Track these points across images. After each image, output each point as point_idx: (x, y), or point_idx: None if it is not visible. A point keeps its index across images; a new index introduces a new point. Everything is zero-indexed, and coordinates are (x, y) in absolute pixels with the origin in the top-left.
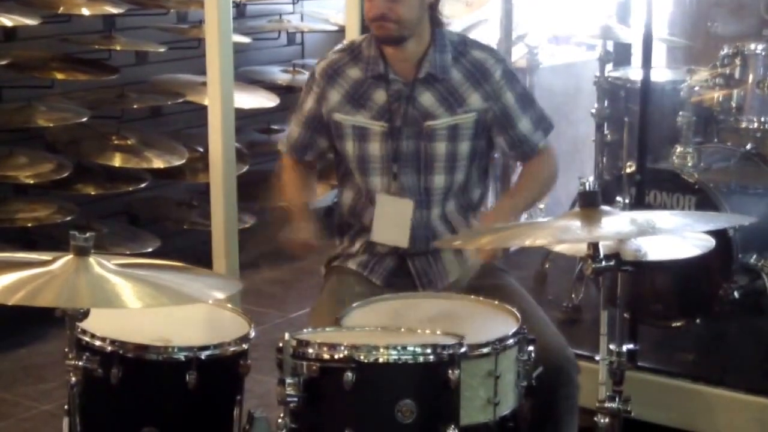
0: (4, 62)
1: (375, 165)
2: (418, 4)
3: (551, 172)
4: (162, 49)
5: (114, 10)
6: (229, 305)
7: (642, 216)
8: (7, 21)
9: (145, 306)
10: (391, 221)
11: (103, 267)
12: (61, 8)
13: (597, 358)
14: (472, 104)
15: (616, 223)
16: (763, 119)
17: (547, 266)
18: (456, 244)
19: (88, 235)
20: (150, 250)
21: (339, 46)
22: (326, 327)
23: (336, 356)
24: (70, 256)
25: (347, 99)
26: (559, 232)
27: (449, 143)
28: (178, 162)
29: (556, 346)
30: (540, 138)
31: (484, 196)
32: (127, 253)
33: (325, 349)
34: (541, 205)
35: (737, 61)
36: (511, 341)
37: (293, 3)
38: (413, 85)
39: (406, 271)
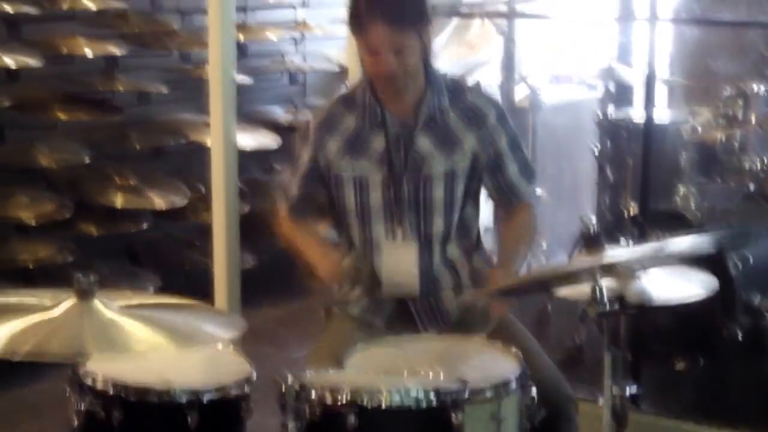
0: (7, 103)
1: (377, 213)
2: (420, 48)
3: (534, 228)
4: (164, 89)
5: (117, 51)
6: (231, 347)
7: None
8: (11, 62)
9: (150, 349)
10: (398, 268)
11: (107, 309)
12: (65, 49)
13: (600, 400)
14: (467, 147)
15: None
16: (765, 159)
17: (549, 306)
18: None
19: (91, 278)
20: (151, 289)
21: (329, 99)
22: (328, 368)
23: (338, 400)
24: (73, 301)
25: (346, 149)
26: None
27: (447, 187)
28: (179, 202)
29: (555, 386)
30: (526, 188)
31: (479, 232)
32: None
33: (327, 392)
34: (543, 244)
35: (739, 100)
36: (513, 385)
37: (295, 43)
38: (413, 130)
39: (408, 314)
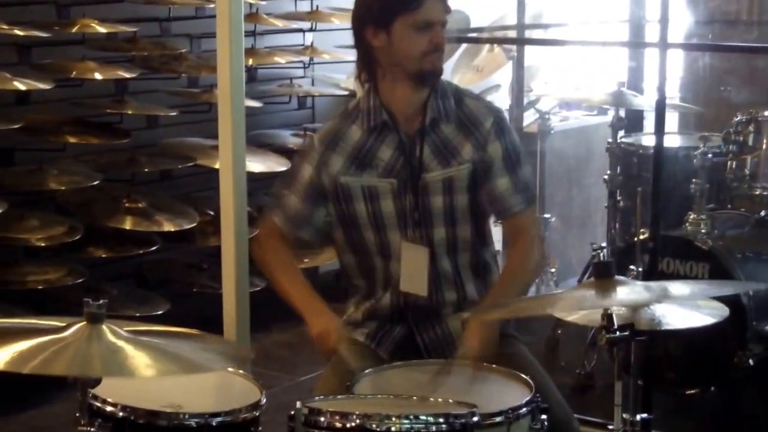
0: (16, 125)
1: (391, 221)
2: None
3: (536, 262)
4: (173, 113)
5: (126, 75)
6: (241, 371)
7: (656, 284)
8: (21, 85)
9: (157, 375)
10: (412, 269)
11: (115, 335)
12: (74, 72)
13: (611, 427)
14: (465, 156)
15: (631, 293)
16: None
17: (559, 332)
18: (466, 317)
19: (101, 302)
20: (159, 312)
21: (332, 116)
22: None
23: (348, 425)
24: (82, 323)
25: (351, 161)
26: (574, 303)
27: (446, 196)
28: (188, 225)
29: (562, 418)
30: (518, 203)
31: (493, 255)
32: (137, 315)
33: (336, 417)
34: (552, 269)
35: (750, 127)
36: (523, 410)
37: (304, 67)
38: (417, 135)
39: (413, 343)
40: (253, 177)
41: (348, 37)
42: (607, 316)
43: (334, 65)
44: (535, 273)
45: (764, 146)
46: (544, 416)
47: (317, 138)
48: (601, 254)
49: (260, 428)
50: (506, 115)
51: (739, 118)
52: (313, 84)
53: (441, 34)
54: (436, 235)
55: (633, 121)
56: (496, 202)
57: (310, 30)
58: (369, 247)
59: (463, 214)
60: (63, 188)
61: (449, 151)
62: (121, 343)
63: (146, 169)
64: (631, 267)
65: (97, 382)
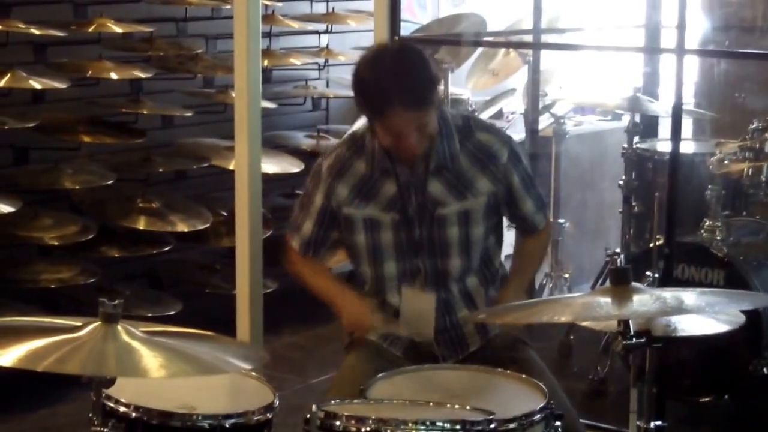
0: (32, 124)
1: (389, 253)
2: (436, 111)
3: (545, 247)
4: (188, 113)
5: (142, 75)
6: (254, 373)
7: (672, 295)
8: (37, 84)
9: (172, 376)
10: (416, 314)
11: (130, 335)
12: (90, 72)
13: None
14: (480, 189)
15: (647, 303)
16: None
17: (572, 337)
18: (481, 318)
19: (117, 302)
20: (172, 313)
21: (340, 141)
22: (352, 398)
23: (363, 430)
24: (98, 323)
25: (356, 193)
26: (590, 309)
27: (462, 228)
28: (202, 226)
29: (570, 425)
30: (541, 220)
31: (501, 264)
32: (149, 315)
33: (352, 422)
34: (566, 275)
35: (766, 134)
36: (537, 417)
37: (319, 69)
38: (424, 177)
39: (426, 344)
40: (267, 178)
41: (363, 39)
42: (624, 323)
43: (349, 67)
44: (543, 258)
45: None
46: (558, 423)
47: (325, 166)
48: (618, 260)
49: (273, 430)
50: (516, 141)
51: (755, 125)
52: (327, 86)
53: (410, 140)
54: (452, 265)
55: (648, 126)
56: (523, 222)
57: (326, 32)
58: (366, 281)
59: (477, 243)
60: (77, 187)
61: (464, 185)
62: (135, 343)
63: (161, 169)
64: (647, 273)
65: (111, 382)
